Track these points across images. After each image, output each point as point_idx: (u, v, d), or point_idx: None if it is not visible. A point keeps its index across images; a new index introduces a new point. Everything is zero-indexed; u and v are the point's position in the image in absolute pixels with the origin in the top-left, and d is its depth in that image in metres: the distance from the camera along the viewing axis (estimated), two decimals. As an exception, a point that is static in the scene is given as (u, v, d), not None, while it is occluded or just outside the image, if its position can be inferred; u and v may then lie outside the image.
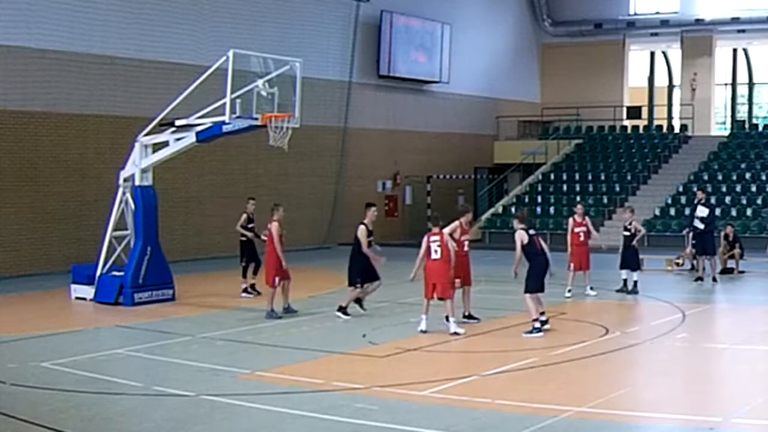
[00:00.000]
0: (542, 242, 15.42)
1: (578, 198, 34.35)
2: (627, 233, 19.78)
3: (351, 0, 33.18)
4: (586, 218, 19.92)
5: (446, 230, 15.38)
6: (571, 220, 19.98)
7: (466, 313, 15.92)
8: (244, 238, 19.71)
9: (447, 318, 15.08)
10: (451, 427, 9.41)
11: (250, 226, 19.71)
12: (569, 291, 19.15)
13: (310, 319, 16.59)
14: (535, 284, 14.95)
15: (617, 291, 19.71)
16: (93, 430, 9.72)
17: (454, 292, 15.29)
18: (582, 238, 19.54)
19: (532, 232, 15.27)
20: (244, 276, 19.68)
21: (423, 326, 15.01)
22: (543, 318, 14.93)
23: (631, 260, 19.72)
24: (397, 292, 18.43)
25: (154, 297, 18.62)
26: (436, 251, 14.95)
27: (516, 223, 15.38)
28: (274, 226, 16.76)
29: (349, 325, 15.99)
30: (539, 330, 14.71)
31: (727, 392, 11.36)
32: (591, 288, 19.34)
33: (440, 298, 14.99)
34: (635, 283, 19.57)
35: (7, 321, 16.86)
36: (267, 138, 17.83)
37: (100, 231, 20.15)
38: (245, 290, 19.60)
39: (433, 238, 15.03)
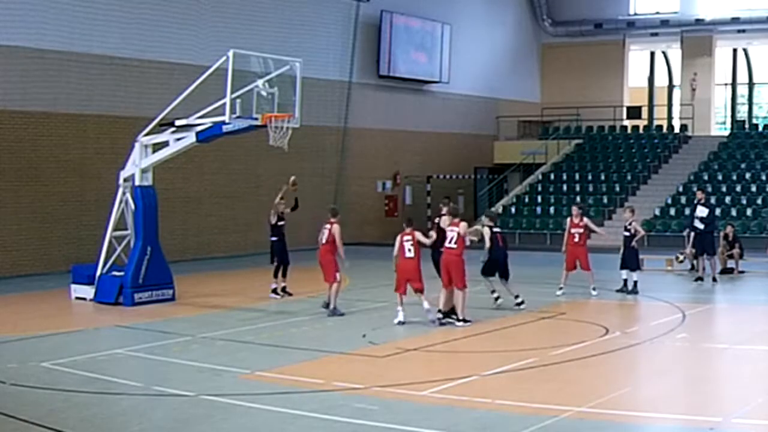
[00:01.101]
0: (503, 239, 17.85)
1: (578, 198, 34.42)
2: (627, 233, 19.79)
3: (351, 0, 33.19)
4: (585, 219, 19.86)
5: (462, 229, 15.74)
6: (568, 220, 20.02)
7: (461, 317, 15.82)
8: (275, 238, 19.41)
9: (429, 310, 15.77)
10: (451, 427, 9.40)
11: (280, 223, 19.43)
12: (560, 289, 19.30)
13: (310, 319, 16.59)
14: (484, 270, 17.45)
15: (617, 291, 19.70)
16: (93, 430, 9.71)
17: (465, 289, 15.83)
18: (577, 240, 19.53)
19: (495, 229, 17.46)
20: (275, 276, 19.39)
21: (400, 317, 15.70)
22: (495, 294, 17.42)
23: (630, 260, 19.71)
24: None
25: (154, 297, 18.61)
26: (410, 250, 15.78)
27: (486, 221, 17.69)
28: (336, 228, 16.97)
29: (349, 325, 16.00)
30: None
31: (727, 392, 11.35)
32: (593, 288, 19.33)
33: (417, 291, 15.75)
34: (635, 283, 19.57)
35: (7, 321, 16.84)
36: (267, 138, 17.82)
37: (100, 231, 20.15)
38: (274, 290, 19.30)
39: (405, 237, 15.80)
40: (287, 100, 18.17)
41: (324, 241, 16.95)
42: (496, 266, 17.49)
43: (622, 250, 19.86)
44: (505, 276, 17.63)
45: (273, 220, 19.48)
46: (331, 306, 16.84)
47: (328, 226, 17.06)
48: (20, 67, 23.60)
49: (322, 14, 32.19)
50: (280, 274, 19.42)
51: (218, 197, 29.00)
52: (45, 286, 21.49)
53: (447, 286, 15.66)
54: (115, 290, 18.43)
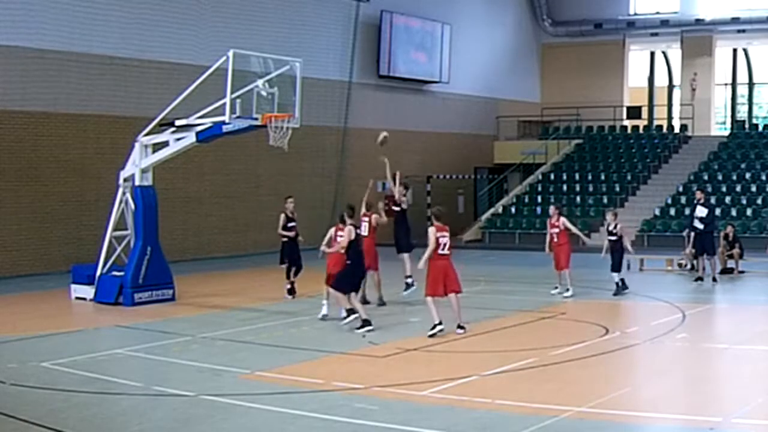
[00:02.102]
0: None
1: (578, 198, 34.50)
2: (613, 237, 19.54)
3: (351, 0, 33.20)
4: (561, 219, 19.65)
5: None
6: (548, 221, 19.95)
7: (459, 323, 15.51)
8: (285, 239, 19.13)
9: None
10: (451, 427, 9.40)
11: (290, 225, 19.14)
12: (555, 288, 19.32)
13: (310, 319, 16.57)
14: (350, 285, 15.49)
15: (615, 294, 19.60)
16: (93, 430, 9.71)
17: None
18: (555, 239, 19.49)
19: (360, 231, 15.91)
20: (288, 276, 19.16)
21: (324, 311, 16.21)
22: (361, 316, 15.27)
23: (613, 263, 19.41)
24: (397, 292, 18.38)
25: (154, 297, 18.61)
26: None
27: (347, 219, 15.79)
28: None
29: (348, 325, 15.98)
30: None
31: (727, 392, 11.35)
32: (567, 289, 19.06)
33: (329, 285, 15.88)
34: (622, 281, 19.38)
35: (7, 321, 16.84)
36: (267, 138, 17.82)
37: (100, 231, 20.15)
38: (289, 291, 19.14)
39: (340, 233, 15.78)
40: (287, 100, 18.17)
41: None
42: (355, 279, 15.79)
43: (610, 253, 19.63)
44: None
45: (282, 223, 19.22)
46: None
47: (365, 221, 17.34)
48: (20, 67, 23.60)
49: (322, 14, 32.19)
50: (291, 273, 19.24)
51: (218, 197, 29.00)
52: (45, 286, 21.49)
53: (443, 294, 14.95)
54: (115, 290, 18.43)
